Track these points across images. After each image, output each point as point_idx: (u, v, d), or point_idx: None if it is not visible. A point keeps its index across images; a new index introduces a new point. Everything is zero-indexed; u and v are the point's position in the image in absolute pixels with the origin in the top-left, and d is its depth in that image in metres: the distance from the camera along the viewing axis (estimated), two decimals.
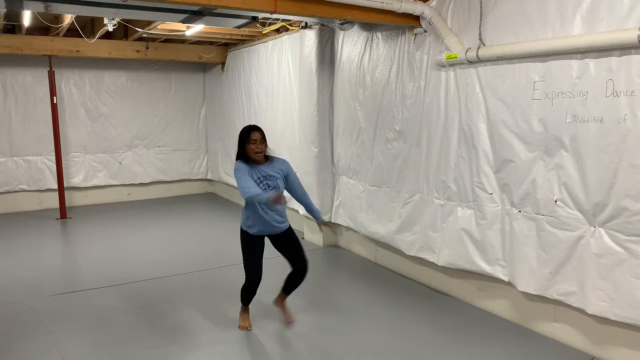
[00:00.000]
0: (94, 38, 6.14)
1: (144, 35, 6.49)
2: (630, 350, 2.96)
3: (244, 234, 3.44)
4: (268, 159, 3.37)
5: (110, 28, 5.35)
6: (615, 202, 2.89)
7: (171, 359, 3.15)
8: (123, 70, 8.05)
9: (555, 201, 3.20)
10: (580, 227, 3.09)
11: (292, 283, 3.55)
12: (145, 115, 8.31)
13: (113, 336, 3.46)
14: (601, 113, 2.93)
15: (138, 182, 8.38)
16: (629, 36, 2.68)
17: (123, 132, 8.15)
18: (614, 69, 2.85)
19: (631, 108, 2.78)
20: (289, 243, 3.50)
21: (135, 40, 7.13)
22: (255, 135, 3.27)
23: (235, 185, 3.34)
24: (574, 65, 3.05)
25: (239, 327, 3.58)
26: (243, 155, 3.30)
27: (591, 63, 2.96)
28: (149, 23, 5.73)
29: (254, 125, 3.36)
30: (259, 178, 3.26)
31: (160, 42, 7.41)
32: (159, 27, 5.80)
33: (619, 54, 2.82)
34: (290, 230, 3.52)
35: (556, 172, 3.19)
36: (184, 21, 4.49)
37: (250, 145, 3.25)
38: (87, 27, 6.50)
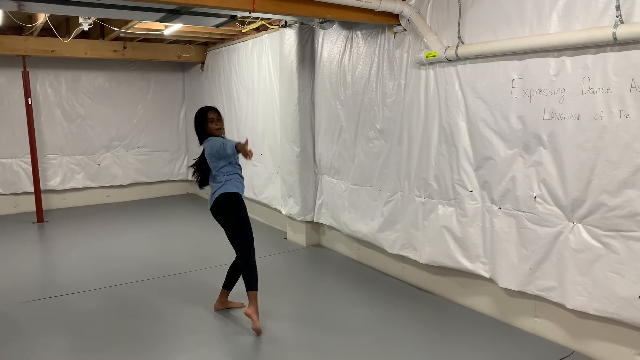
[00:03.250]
0: (69, 38, 6.02)
1: (121, 34, 6.38)
2: (608, 343, 3.01)
3: (239, 198, 3.51)
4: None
5: (86, 27, 5.24)
6: (592, 197, 2.93)
7: None
8: (100, 70, 7.92)
9: (535, 198, 3.24)
10: (559, 223, 3.12)
11: (236, 272, 3.68)
12: (123, 115, 8.19)
13: (92, 342, 3.39)
14: (578, 110, 2.96)
15: (117, 184, 8.25)
16: (604, 34, 2.72)
17: (101, 133, 8.02)
18: (590, 67, 2.89)
19: (607, 105, 2.82)
20: None
21: (112, 40, 7.02)
22: (212, 114, 3.56)
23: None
24: (551, 62, 3.08)
25: (254, 327, 3.38)
26: (205, 135, 3.55)
27: (568, 61, 3.00)
28: (126, 22, 5.64)
29: (207, 106, 3.65)
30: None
31: (138, 41, 7.31)
32: (136, 26, 5.71)
33: (594, 51, 2.86)
34: None
35: (535, 169, 3.22)
36: (161, 20, 4.42)
37: (210, 124, 3.54)
38: (62, 26, 6.37)
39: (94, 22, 5.64)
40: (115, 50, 7.16)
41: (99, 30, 6.74)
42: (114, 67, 8.01)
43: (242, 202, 3.58)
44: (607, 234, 2.89)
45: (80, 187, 7.94)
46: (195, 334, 3.46)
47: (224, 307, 3.83)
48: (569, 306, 3.09)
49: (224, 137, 3.60)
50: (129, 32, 6.21)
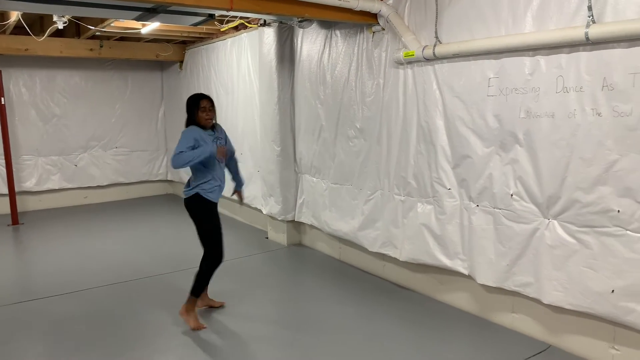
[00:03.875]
0: (44, 36, 5.90)
1: (97, 33, 6.27)
2: (583, 337, 3.07)
3: (205, 202, 3.46)
4: (213, 126, 3.61)
5: (61, 26, 5.15)
6: (567, 194, 2.98)
7: None
8: (76, 69, 7.78)
9: (511, 195, 3.28)
10: (535, 220, 3.17)
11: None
12: (101, 115, 8.07)
13: (70, 345, 3.33)
14: (552, 108, 3.01)
15: (95, 185, 8.13)
16: (577, 34, 2.77)
17: (78, 133, 7.89)
18: (564, 66, 2.94)
19: (580, 103, 2.87)
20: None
21: (88, 39, 6.90)
22: (205, 103, 3.48)
23: None
24: (526, 62, 3.13)
25: (192, 329, 3.46)
26: (193, 122, 3.48)
27: (542, 60, 3.05)
28: (102, 21, 5.54)
29: (202, 94, 3.57)
30: (213, 139, 3.50)
31: (115, 40, 7.20)
32: (112, 24, 5.63)
33: (568, 51, 2.91)
34: None
35: (511, 166, 3.27)
36: (138, 19, 4.37)
37: (200, 112, 3.45)
38: (36, 24, 6.24)
39: (69, 20, 5.54)
40: (91, 49, 7.04)
41: (75, 29, 6.62)
42: (91, 66, 7.88)
43: (207, 206, 3.52)
44: (581, 230, 2.95)
45: (57, 188, 7.80)
46: (175, 336, 3.43)
47: (204, 304, 3.81)
48: (545, 301, 3.15)
49: (213, 130, 3.58)
50: (105, 31, 6.11)
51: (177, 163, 3.33)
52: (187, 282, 4.44)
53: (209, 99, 3.55)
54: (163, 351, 3.24)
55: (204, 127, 3.49)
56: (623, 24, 2.61)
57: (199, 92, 3.73)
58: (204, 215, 3.50)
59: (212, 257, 3.49)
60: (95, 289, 4.33)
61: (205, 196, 3.48)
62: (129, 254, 5.35)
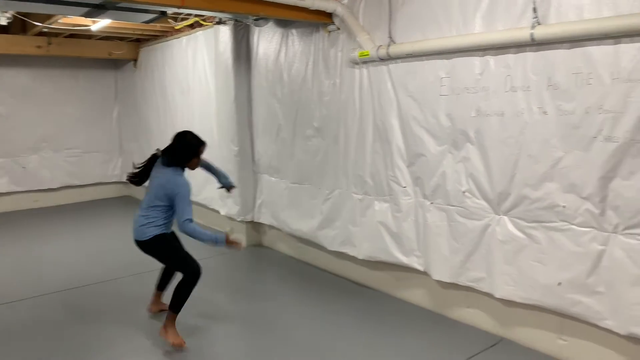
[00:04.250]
0: None
1: (45, 30, 6.03)
2: (533, 329, 3.17)
3: (161, 237, 3.26)
4: None
5: (4, 22, 4.94)
6: (516, 191, 3.07)
7: None
8: (24, 67, 7.44)
9: (464, 192, 3.35)
10: (487, 216, 3.25)
11: (169, 273, 3.60)
12: (51, 115, 7.74)
13: (19, 356, 3.19)
14: (502, 107, 3.09)
15: (46, 188, 7.80)
16: (523, 34, 2.85)
17: (26, 134, 7.54)
18: (512, 66, 3.02)
19: (527, 102, 2.96)
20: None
21: (35, 35, 6.61)
22: (202, 151, 3.33)
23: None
24: (476, 62, 3.20)
25: (173, 345, 3.16)
26: (183, 164, 3.26)
27: (491, 60, 3.12)
28: (49, 17, 5.33)
29: (203, 140, 3.35)
30: None
31: (65, 37, 6.92)
32: (60, 21, 5.42)
33: (515, 51, 3.00)
34: None
35: (463, 164, 3.34)
36: (86, 15, 4.23)
37: (197, 159, 3.31)
38: None
39: (14, 16, 5.30)
40: (39, 47, 6.75)
41: (21, 25, 6.34)
42: (39, 64, 7.56)
43: (165, 239, 3.29)
44: (530, 225, 3.04)
45: (4, 191, 7.43)
46: (130, 342, 3.34)
47: (159, 308, 3.71)
48: (497, 295, 3.23)
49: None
50: (53, 28, 5.88)
51: (192, 233, 3.06)
52: (143, 285, 4.34)
53: (205, 146, 3.39)
54: (117, 358, 3.14)
55: (183, 168, 3.31)
56: (565, 25, 2.71)
57: (197, 135, 3.40)
58: (166, 248, 3.31)
59: (191, 276, 3.21)
60: (46, 296, 4.16)
61: (163, 232, 3.27)
62: (83, 258, 5.16)
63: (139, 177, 3.42)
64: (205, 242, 3.11)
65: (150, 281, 4.37)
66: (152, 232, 3.22)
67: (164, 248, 3.30)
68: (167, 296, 3.82)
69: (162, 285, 3.69)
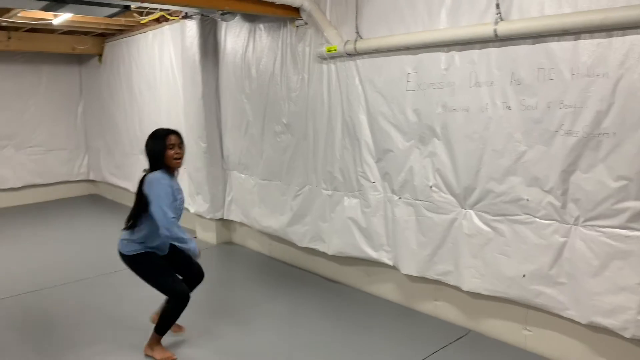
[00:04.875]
0: None
1: (4, 24, 5.82)
2: (500, 320, 3.23)
3: (143, 256, 2.97)
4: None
5: None
6: (481, 185, 3.11)
7: None
8: None
9: (431, 187, 3.38)
10: (453, 210, 3.29)
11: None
12: (12, 112, 7.49)
13: None
14: (467, 103, 3.12)
15: (8, 187, 7.55)
16: (486, 30, 2.88)
17: None
18: (476, 61, 3.05)
19: (492, 97, 2.99)
20: (177, 253, 3.13)
21: None
22: (173, 139, 2.94)
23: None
24: (442, 57, 3.22)
25: None
26: (158, 165, 2.91)
27: (457, 55, 3.15)
28: (7, 10, 5.15)
29: (167, 129, 3.00)
30: (175, 191, 2.96)
31: (25, 31, 6.69)
32: (19, 14, 5.23)
33: (479, 47, 3.02)
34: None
35: (430, 159, 3.36)
36: (45, 9, 4.06)
37: (169, 150, 2.90)
38: None
39: None
40: None
41: None
42: None
43: (147, 259, 3.00)
44: (495, 219, 3.09)
45: None
46: (98, 344, 3.25)
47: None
48: (464, 288, 3.27)
49: (173, 175, 3.01)
50: (12, 22, 5.67)
51: (171, 233, 2.82)
52: (112, 285, 4.25)
53: (177, 133, 3.00)
54: None
55: (172, 170, 2.98)
56: (527, 21, 2.74)
57: (161, 126, 3.11)
58: (151, 268, 3.01)
59: (178, 299, 2.97)
60: (9, 298, 4.02)
61: (138, 250, 2.98)
62: (48, 259, 5.01)
63: (133, 217, 3.00)
64: (183, 247, 2.91)
65: (117, 280, 4.30)
66: (132, 248, 2.98)
67: (144, 269, 3.03)
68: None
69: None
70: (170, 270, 3.07)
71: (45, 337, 3.38)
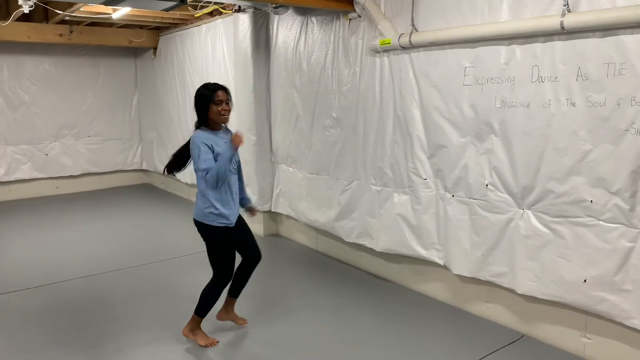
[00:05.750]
0: (9, 20, 5.67)
1: (67, 18, 6.06)
2: (556, 326, 3.10)
3: (215, 230, 2.97)
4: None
5: (26, 10, 4.92)
6: (541, 184, 2.98)
7: None
8: (46, 55, 7.52)
9: (486, 185, 3.27)
10: (510, 210, 3.17)
11: (243, 276, 3.24)
12: (72, 103, 7.83)
13: (34, 341, 3.23)
14: (528, 98, 2.99)
15: (67, 175, 7.91)
16: (552, 23, 2.74)
17: (48, 121, 7.65)
18: (539, 55, 2.92)
19: (555, 93, 2.86)
20: (242, 229, 3.17)
21: (57, 24, 6.65)
22: (221, 95, 2.92)
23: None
24: (502, 51, 3.10)
25: (202, 345, 3.10)
26: (205, 120, 2.95)
27: (518, 49, 3.02)
28: (71, 5, 5.34)
29: (217, 84, 2.99)
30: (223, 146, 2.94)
31: (86, 25, 6.96)
32: (81, 9, 5.43)
33: (543, 40, 2.89)
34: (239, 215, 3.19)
35: (487, 156, 3.25)
36: (106, 3, 4.20)
37: (215, 106, 2.90)
38: (2, 8, 6.00)
39: (35, 4, 5.32)
40: (60, 35, 6.80)
41: (43, 13, 6.38)
42: (61, 52, 7.63)
43: (219, 233, 2.98)
44: (554, 220, 2.95)
45: (27, 178, 7.56)
46: (146, 331, 3.35)
47: (228, 318, 3.36)
48: (519, 291, 3.16)
49: (217, 131, 2.99)
50: (74, 16, 5.90)
51: (213, 182, 2.82)
52: (162, 273, 4.37)
53: (225, 89, 2.98)
54: (132, 346, 3.15)
55: (213, 129, 2.97)
56: (597, 13, 2.59)
57: (208, 81, 3.14)
58: (218, 242, 3.02)
59: (221, 279, 3.05)
60: (64, 282, 4.21)
61: (219, 224, 2.97)
62: (102, 246, 5.22)
63: (175, 162, 3.12)
64: (228, 166, 2.85)
65: (168, 269, 4.41)
66: (203, 215, 2.98)
67: (214, 243, 3.03)
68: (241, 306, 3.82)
69: (234, 291, 3.31)
70: (233, 250, 3.10)
71: (97, 321, 3.51)
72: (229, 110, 2.98)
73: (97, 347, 3.14)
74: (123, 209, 6.86)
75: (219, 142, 2.93)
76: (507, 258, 3.21)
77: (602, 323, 2.86)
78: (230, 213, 3.02)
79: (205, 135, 2.91)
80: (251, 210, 3.39)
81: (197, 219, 3.02)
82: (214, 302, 3.12)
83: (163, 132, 7.67)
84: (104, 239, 5.50)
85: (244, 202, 3.34)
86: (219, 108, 2.91)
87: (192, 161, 2.98)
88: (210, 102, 2.91)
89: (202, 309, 3.11)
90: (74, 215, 6.55)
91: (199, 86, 3.03)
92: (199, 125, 2.99)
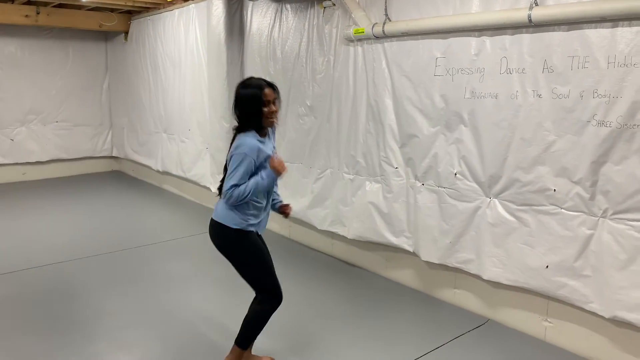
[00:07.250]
0: None
1: None
2: (520, 310, 3.21)
3: (245, 236, 2.44)
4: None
5: None
6: (508, 174, 3.06)
7: (69, 350, 2.95)
8: (11, 37, 7.27)
9: (455, 174, 3.34)
10: (477, 199, 3.25)
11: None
12: (39, 87, 7.60)
13: (3, 328, 3.18)
14: (496, 89, 3.07)
15: (34, 161, 7.71)
16: (520, 15, 2.81)
17: (14, 106, 7.41)
18: (508, 47, 2.98)
19: (522, 85, 2.93)
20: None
21: (23, 4, 6.45)
22: (269, 95, 2.38)
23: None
24: (472, 42, 3.16)
25: None
26: (253, 124, 2.38)
27: (488, 41, 3.08)
28: None
29: (261, 79, 2.42)
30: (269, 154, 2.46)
31: (54, 6, 6.75)
32: None
33: (512, 32, 2.95)
34: None
35: (456, 146, 3.32)
36: None
37: (266, 108, 2.36)
38: None
39: None
40: (27, 16, 6.58)
41: None
42: (27, 34, 7.39)
43: (250, 241, 2.49)
44: (519, 209, 3.05)
45: None
46: (116, 318, 3.33)
47: None
48: (485, 277, 3.25)
49: (264, 137, 2.47)
50: None
51: (235, 200, 2.34)
52: (131, 260, 4.33)
53: (272, 86, 2.44)
54: (102, 334, 3.13)
55: (264, 130, 2.46)
56: (563, 7, 2.67)
57: (251, 77, 2.55)
58: (243, 254, 2.51)
59: (270, 300, 2.55)
60: (32, 270, 4.13)
61: (249, 229, 2.46)
62: (71, 233, 5.13)
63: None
64: (266, 187, 2.41)
65: (136, 256, 4.36)
66: (230, 222, 2.45)
67: (243, 253, 2.53)
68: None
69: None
70: (270, 260, 2.62)
71: (63, 309, 3.47)
72: (277, 112, 2.46)
73: (66, 334, 3.11)
74: (93, 196, 6.74)
75: (266, 150, 2.43)
76: (474, 245, 3.30)
77: (562, 307, 2.98)
78: (260, 220, 2.56)
79: (256, 145, 2.35)
80: (284, 210, 2.75)
81: (217, 220, 2.50)
82: (261, 329, 2.61)
83: (134, 118, 7.54)
84: (73, 226, 5.40)
85: (274, 202, 2.74)
86: (267, 110, 2.39)
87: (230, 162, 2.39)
88: (261, 104, 2.35)
89: (246, 338, 2.58)
90: (42, 202, 6.41)
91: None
92: (240, 129, 2.42)
